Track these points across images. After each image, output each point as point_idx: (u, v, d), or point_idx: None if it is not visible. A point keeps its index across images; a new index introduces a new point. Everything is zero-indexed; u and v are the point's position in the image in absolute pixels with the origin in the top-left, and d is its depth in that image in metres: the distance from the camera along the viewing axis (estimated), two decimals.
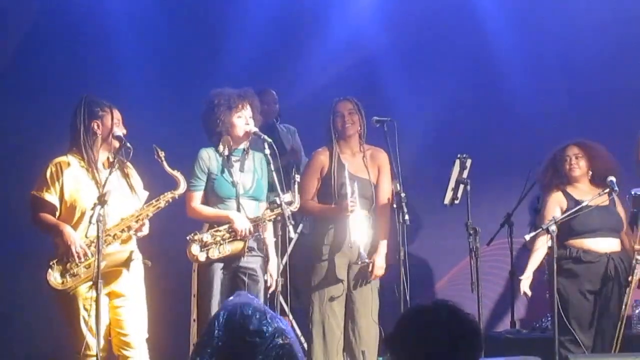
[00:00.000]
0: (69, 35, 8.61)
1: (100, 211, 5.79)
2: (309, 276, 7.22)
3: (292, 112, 8.77)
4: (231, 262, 6.48)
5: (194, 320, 6.33)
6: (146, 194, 6.28)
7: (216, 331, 2.69)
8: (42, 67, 8.47)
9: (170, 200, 6.20)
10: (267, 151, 6.63)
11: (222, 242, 6.42)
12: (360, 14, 9.50)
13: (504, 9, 9.54)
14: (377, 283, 7.22)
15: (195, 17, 9.10)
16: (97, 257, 5.79)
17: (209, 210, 6.55)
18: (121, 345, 6.13)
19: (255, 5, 9.19)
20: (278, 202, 6.48)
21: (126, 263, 6.08)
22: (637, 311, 8.25)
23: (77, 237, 5.94)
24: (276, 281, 6.57)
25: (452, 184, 7.72)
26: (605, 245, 7.43)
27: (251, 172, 6.69)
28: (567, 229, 7.31)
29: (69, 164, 6.08)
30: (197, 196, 6.55)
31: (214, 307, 6.29)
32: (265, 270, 6.55)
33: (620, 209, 7.57)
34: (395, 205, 7.12)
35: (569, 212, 7.30)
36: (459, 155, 7.75)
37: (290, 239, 6.69)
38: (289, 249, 6.74)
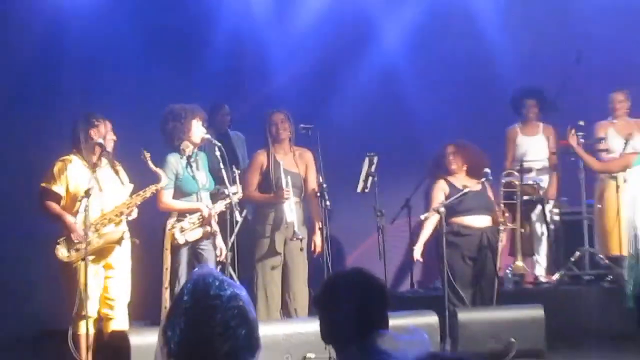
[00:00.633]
0: (69, 59, 8.30)
1: (86, 202, 5.87)
2: (253, 250, 7.27)
3: (242, 121, 8.67)
4: (193, 241, 6.51)
5: (166, 288, 6.27)
6: (131, 186, 6.33)
7: (185, 297, 2.69)
8: (52, 86, 8.21)
9: (155, 191, 6.27)
10: (217, 153, 6.63)
11: (194, 227, 6.46)
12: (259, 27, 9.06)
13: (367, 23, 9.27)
14: (305, 254, 7.26)
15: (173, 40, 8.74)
16: (84, 238, 5.87)
17: (180, 204, 6.52)
18: (106, 307, 6.18)
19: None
20: (226, 192, 6.51)
21: (119, 241, 6.15)
22: (507, 273, 8.33)
23: (77, 226, 5.97)
24: (226, 255, 6.58)
25: (363, 176, 7.80)
26: (480, 222, 7.48)
27: (203, 170, 6.70)
28: (450, 210, 7.36)
29: (72, 162, 6.14)
30: (168, 194, 6.50)
31: (182, 277, 6.33)
32: (215, 245, 6.58)
33: (490, 193, 7.67)
34: (319, 194, 7.19)
35: (453, 197, 7.36)
36: (367, 154, 7.84)
37: (237, 222, 6.68)
38: (236, 230, 6.72)
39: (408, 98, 9.28)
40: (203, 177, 6.66)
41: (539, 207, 8.48)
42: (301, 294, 7.24)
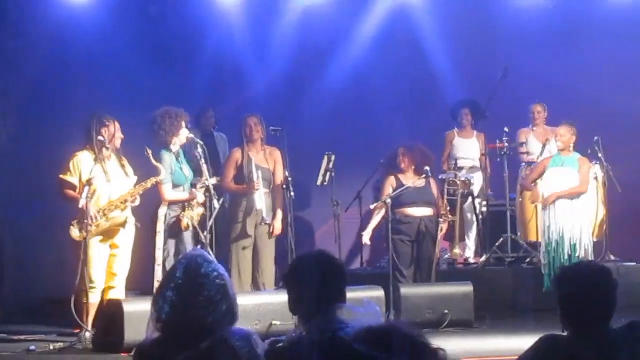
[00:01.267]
0: (77, 68, 8.39)
1: (87, 190, 5.94)
2: (228, 233, 7.30)
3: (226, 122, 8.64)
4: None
5: (158, 265, 6.33)
6: (135, 177, 6.35)
7: (177, 272, 2.74)
8: (67, 95, 8.25)
9: (155, 182, 6.30)
10: (200, 150, 6.67)
11: (192, 211, 6.51)
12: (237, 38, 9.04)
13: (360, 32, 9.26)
14: (273, 238, 7.31)
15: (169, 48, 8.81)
16: (86, 221, 5.92)
17: (181, 195, 6.53)
18: (109, 279, 6.25)
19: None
20: (207, 183, 6.54)
21: (123, 224, 6.21)
22: (444, 255, 8.38)
23: (89, 208, 5.99)
24: (205, 236, 6.60)
25: (322, 171, 8.00)
26: (419, 212, 7.51)
27: (187, 164, 6.75)
28: (395, 202, 7.40)
29: (84, 156, 6.18)
30: (169, 187, 6.50)
31: (172, 255, 6.41)
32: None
33: (434, 189, 7.69)
34: (284, 186, 7.25)
35: (397, 190, 7.41)
36: (326, 153, 7.94)
37: (215, 208, 6.70)
38: (214, 215, 6.74)
39: (363, 105, 9.30)
40: (187, 170, 6.70)
41: (469, 199, 8.60)
42: (268, 270, 7.29)
